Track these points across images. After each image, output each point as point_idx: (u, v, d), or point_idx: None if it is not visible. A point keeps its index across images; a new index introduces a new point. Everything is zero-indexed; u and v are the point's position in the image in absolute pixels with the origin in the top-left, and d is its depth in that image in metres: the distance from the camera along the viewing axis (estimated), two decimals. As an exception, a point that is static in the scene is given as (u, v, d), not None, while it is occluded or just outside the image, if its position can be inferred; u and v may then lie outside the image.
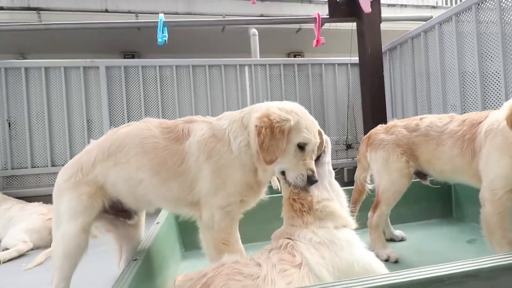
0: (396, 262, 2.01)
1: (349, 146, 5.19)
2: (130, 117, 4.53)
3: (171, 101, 4.67)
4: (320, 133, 1.56)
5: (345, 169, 5.01)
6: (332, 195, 1.57)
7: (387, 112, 4.47)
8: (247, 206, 1.61)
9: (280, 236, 1.46)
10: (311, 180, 1.45)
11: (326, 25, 6.21)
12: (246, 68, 4.94)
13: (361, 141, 2.42)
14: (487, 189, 1.64)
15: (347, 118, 5.17)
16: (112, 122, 4.46)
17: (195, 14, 6.40)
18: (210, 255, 1.54)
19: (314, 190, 1.53)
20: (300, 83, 5.11)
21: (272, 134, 1.38)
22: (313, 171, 1.46)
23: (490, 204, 1.62)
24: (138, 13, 6.25)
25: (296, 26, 6.68)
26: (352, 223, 1.52)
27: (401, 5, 7.62)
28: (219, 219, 1.49)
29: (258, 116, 1.44)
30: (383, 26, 4.40)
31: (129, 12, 6.24)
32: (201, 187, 1.49)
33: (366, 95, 4.26)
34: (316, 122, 1.54)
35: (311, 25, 4.67)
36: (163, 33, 4.31)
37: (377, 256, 2.06)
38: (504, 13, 2.69)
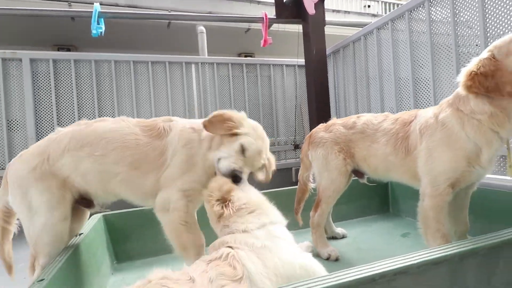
0: (336, 260, 2.02)
1: (297, 146, 5.27)
2: (60, 117, 4.08)
3: (109, 99, 4.30)
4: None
5: (293, 169, 5.08)
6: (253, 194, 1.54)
7: (331, 112, 4.61)
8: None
9: (220, 245, 1.33)
10: (235, 175, 1.50)
11: (275, 27, 6.28)
12: (193, 66, 4.76)
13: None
14: (429, 184, 1.67)
15: (295, 118, 5.25)
16: (38, 124, 3.97)
17: (137, 7, 6.01)
18: (172, 243, 1.58)
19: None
20: (249, 83, 5.07)
21: (221, 123, 1.55)
22: (240, 171, 1.52)
23: (430, 198, 1.66)
24: (71, 1, 5.69)
25: (245, 26, 6.65)
26: (283, 219, 1.48)
27: (345, 12, 8.02)
28: (176, 199, 1.54)
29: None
30: (329, 30, 4.54)
31: (61, 0, 5.66)
32: (169, 170, 1.56)
33: (311, 95, 4.34)
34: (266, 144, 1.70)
35: (260, 26, 4.66)
36: (98, 24, 3.96)
37: (319, 255, 2.09)
38: (433, 24, 2.90)
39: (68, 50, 7.25)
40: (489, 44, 2.38)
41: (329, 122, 2.30)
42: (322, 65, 4.24)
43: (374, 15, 8.51)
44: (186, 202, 1.56)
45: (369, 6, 10.66)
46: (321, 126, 2.31)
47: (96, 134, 1.57)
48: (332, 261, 2.02)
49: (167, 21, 5.92)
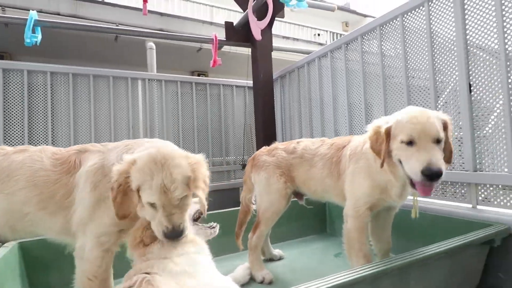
0: (270, 283, 2.02)
1: (245, 166, 5.29)
2: (-19, 130, 3.65)
3: (42, 115, 3.96)
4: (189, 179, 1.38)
5: (240, 188, 5.07)
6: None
7: (278, 133, 4.75)
8: (125, 236, 1.56)
9: (135, 273, 1.27)
10: (167, 236, 1.32)
11: (227, 48, 6.40)
12: (139, 82, 4.62)
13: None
14: (351, 207, 1.78)
15: (244, 138, 5.31)
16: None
17: (82, 18, 5.74)
18: None
19: None
20: (198, 102, 5.04)
21: (124, 191, 1.34)
22: (168, 227, 1.32)
23: (352, 220, 1.77)
24: (6, 6, 5.24)
25: (197, 45, 6.67)
26: (207, 249, 1.47)
27: (294, 39, 8.49)
28: (90, 248, 1.45)
29: (114, 170, 1.37)
30: (280, 55, 4.74)
31: (-7, 4, 5.20)
32: (79, 215, 1.46)
33: (258, 117, 4.45)
34: (176, 172, 1.33)
35: (211, 46, 4.70)
36: (34, 33, 3.69)
37: (254, 278, 2.08)
38: (365, 55, 3.18)
39: (1, 58, 6.63)
40: (409, 75, 2.67)
41: (272, 146, 2.37)
42: (268, 88, 4.38)
43: (320, 44, 9.12)
44: (101, 252, 1.45)
45: (319, 35, 11.45)
46: (264, 149, 2.37)
47: (11, 170, 1.49)
48: (266, 284, 2.01)
49: (114, 34, 5.73)
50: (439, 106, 2.42)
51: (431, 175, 1.35)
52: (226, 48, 5.78)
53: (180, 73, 7.78)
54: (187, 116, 4.95)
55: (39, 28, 3.76)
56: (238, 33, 4.59)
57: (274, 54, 4.60)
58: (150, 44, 5.90)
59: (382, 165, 1.57)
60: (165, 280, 1.19)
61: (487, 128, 2.12)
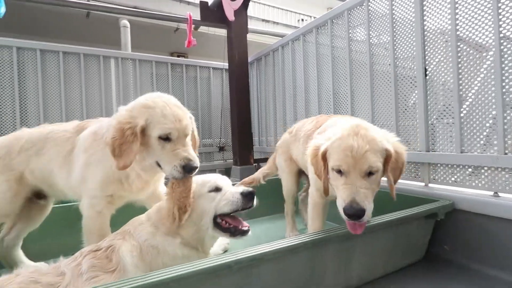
0: None
1: (222, 148, 5.34)
2: None
3: (9, 93, 3.83)
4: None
5: (217, 170, 5.14)
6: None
7: (254, 117, 4.79)
8: (121, 201, 1.69)
9: (119, 234, 1.43)
10: (189, 168, 1.42)
11: (205, 29, 6.29)
12: (112, 60, 4.51)
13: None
14: (312, 185, 1.86)
15: (221, 120, 5.32)
16: None
17: (51, -8, 5.47)
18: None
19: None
20: (174, 83, 4.99)
21: (123, 138, 1.39)
22: (188, 159, 1.43)
23: (314, 198, 1.85)
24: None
25: (174, 25, 6.52)
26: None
27: (274, 22, 8.44)
28: (85, 207, 1.60)
29: (112, 120, 1.52)
30: (259, 38, 4.69)
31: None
32: (75, 174, 1.65)
33: (233, 99, 4.46)
34: (180, 108, 1.58)
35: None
36: (-4, 5, 3.52)
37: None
38: (334, 39, 3.23)
39: (-35, 31, 6.25)
40: (375, 61, 2.74)
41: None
42: (243, 70, 4.38)
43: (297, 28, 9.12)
44: (94, 213, 1.58)
45: (302, 20, 11.40)
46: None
47: (46, 139, 1.78)
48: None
49: (85, 10, 5.51)
50: (415, 94, 2.47)
51: (351, 215, 1.25)
52: (204, 29, 5.70)
53: (158, 54, 7.57)
54: (163, 97, 4.89)
55: (2, 0, 3.58)
56: (213, 14, 4.53)
57: (253, 37, 4.57)
58: (124, 22, 5.72)
59: (326, 194, 1.47)
60: (132, 249, 1.33)
61: (438, 111, 2.24)
